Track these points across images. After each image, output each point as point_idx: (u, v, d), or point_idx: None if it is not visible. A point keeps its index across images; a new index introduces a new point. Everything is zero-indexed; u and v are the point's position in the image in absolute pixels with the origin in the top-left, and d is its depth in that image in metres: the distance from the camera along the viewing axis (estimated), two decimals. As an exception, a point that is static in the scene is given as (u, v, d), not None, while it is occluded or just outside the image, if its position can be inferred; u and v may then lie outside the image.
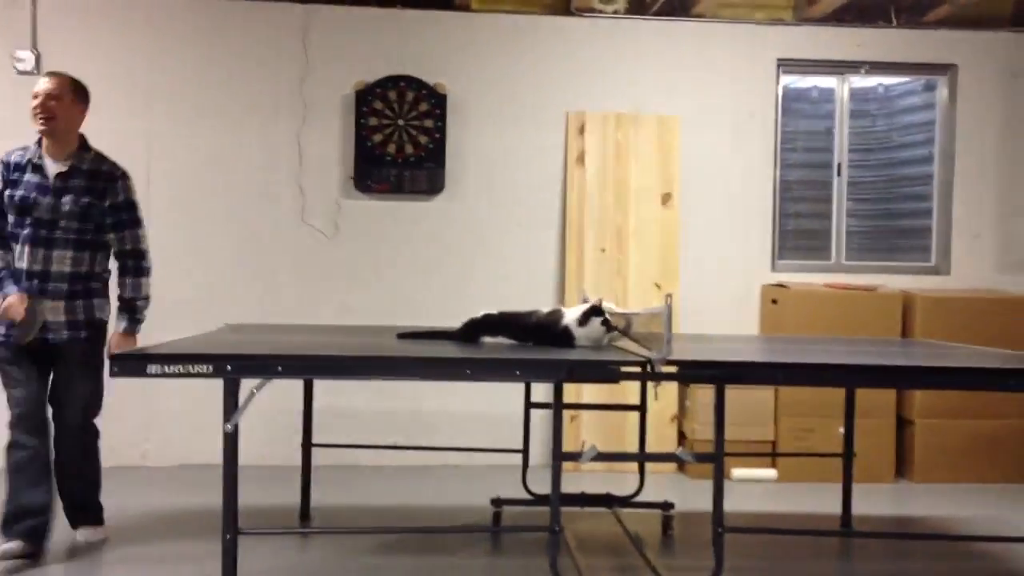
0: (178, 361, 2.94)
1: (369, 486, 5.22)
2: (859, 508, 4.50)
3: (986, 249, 6.12)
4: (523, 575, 3.65)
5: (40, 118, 3.83)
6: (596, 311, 3.49)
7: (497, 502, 4.37)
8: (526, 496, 4.43)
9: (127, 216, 3.95)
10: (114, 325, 3.98)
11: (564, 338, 3.48)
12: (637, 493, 4.46)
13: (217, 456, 3.08)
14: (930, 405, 5.61)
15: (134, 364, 2.93)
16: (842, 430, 4.48)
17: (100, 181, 3.90)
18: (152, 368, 2.91)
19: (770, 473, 5.55)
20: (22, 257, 3.79)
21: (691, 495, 4.87)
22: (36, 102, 3.84)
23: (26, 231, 3.79)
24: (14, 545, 3.69)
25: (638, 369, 3.25)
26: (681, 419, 5.76)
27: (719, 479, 3.20)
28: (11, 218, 3.82)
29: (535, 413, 4.47)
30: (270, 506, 4.58)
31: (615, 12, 5.88)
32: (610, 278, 5.80)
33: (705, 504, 3.36)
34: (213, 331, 4.06)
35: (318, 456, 4.57)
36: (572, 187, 5.84)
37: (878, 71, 6.16)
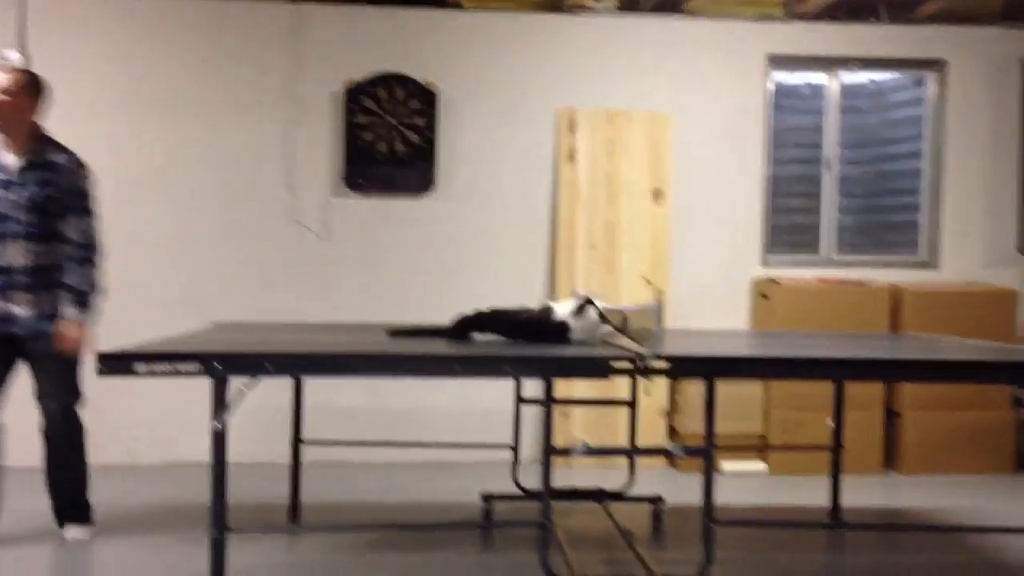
0: (166, 359, 2.93)
1: (359, 483, 5.22)
2: (848, 500, 4.53)
3: (974, 244, 6.14)
4: (514, 570, 3.66)
5: None
6: (590, 302, 3.51)
7: (488, 498, 4.37)
8: (517, 492, 4.44)
9: (79, 205, 3.94)
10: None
11: (559, 332, 3.49)
12: (628, 488, 4.47)
13: (206, 454, 3.08)
14: (918, 398, 5.63)
15: (121, 363, 2.93)
16: (831, 423, 4.50)
17: (57, 172, 3.91)
18: (139, 367, 2.90)
19: (760, 466, 5.58)
20: None
21: (681, 489, 4.88)
22: None
23: None
24: None
25: (629, 364, 3.26)
26: (671, 414, 5.77)
27: (709, 473, 3.21)
28: None
29: (525, 409, 4.48)
30: (259, 504, 4.58)
31: (607, 9, 5.88)
32: (601, 275, 5.81)
33: (695, 498, 3.37)
34: (202, 329, 4.06)
35: (308, 453, 4.57)
36: (563, 184, 5.85)
37: (868, 67, 6.18)
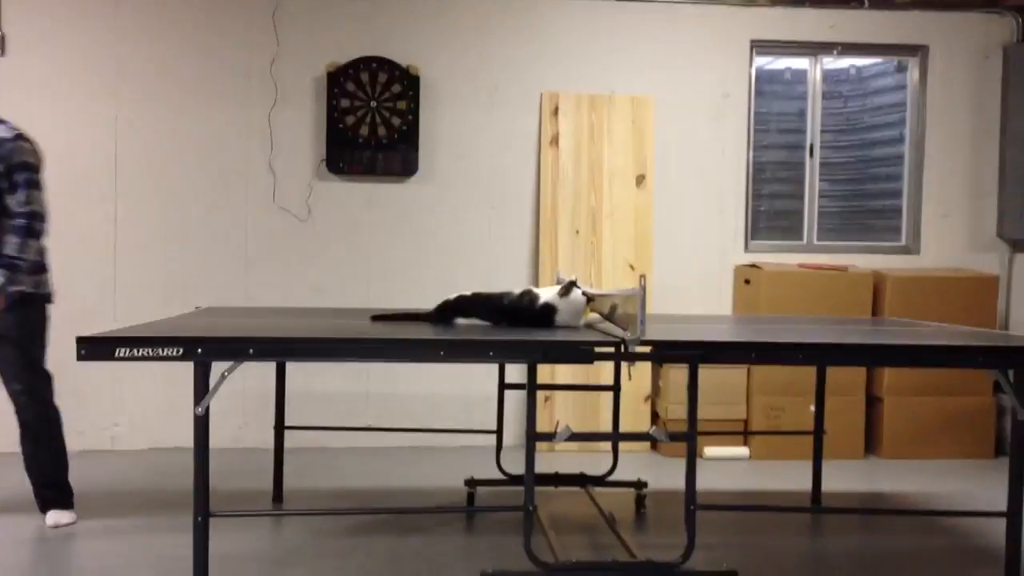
0: (148, 344, 2.91)
1: (343, 468, 5.21)
2: (829, 484, 4.56)
3: (956, 229, 6.18)
4: (497, 554, 3.66)
5: None
6: (574, 284, 3.51)
7: (471, 482, 4.38)
8: (500, 476, 4.44)
9: (22, 177, 3.88)
10: None
11: (544, 315, 3.49)
12: (611, 472, 4.48)
13: (188, 439, 3.06)
14: (899, 383, 5.67)
15: (103, 347, 2.90)
16: (813, 408, 4.53)
17: None
18: (121, 351, 2.88)
19: (742, 451, 5.60)
20: None
21: (664, 474, 4.90)
22: None
23: None
24: None
25: (612, 349, 3.26)
26: (655, 399, 5.79)
27: (692, 458, 3.22)
28: None
29: (509, 394, 4.47)
30: (243, 489, 4.57)
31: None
32: (584, 259, 5.81)
33: (678, 482, 3.38)
34: (184, 314, 4.03)
35: (291, 438, 4.57)
36: (546, 168, 5.83)
37: (850, 52, 6.19)
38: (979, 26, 6.13)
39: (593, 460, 4.97)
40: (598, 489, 4.40)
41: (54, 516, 4.00)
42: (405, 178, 5.76)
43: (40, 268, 3.97)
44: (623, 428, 4.77)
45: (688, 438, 3.22)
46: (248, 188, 5.68)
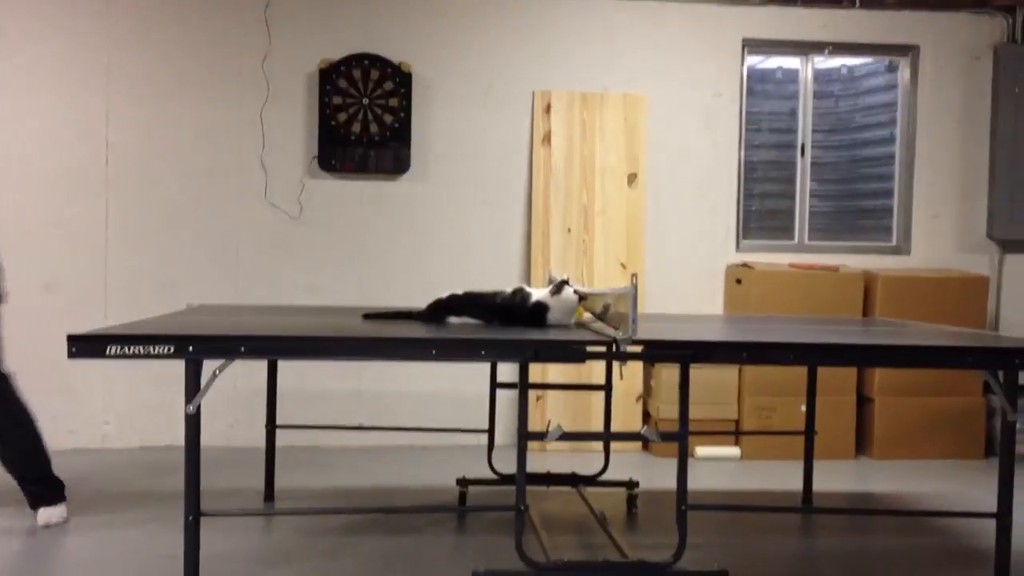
0: (139, 342, 2.89)
1: (334, 467, 5.20)
2: (820, 485, 4.56)
3: (946, 229, 6.20)
4: (489, 554, 3.66)
5: None
6: (566, 283, 3.51)
7: (463, 482, 4.38)
8: (492, 476, 4.44)
9: None
10: None
11: (536, 314, 3.48)
12: (602, 472, 4.48)
13: (179, 438, 3.05)
14: (889, 383, 5.68)
15: (94, 345, 2.89)
16: (804, 408, 4.53)
17: None
18: (112, 349, 2.86)
19: (733, 451, 5.61)
20: None
21: (656, 473, 4.91)
22: None
23: None
24: None
25: (604, 349, 3.25)
26: (646, 398, 5.79)
27: (683, 458, 3.22)
28: None
29: (501, 393, 4.47)
30: (234, 487, 4.56)
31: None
32: (576, 258, 5.81)
33: (669, 482, 3.38)
34: (175, 311, 4.02)
35: (282, 437, 4.55)
36: (538, 167, 5.83)
37: (841, 52, 6.20)
38: (969, 26, 6.15)
39: (585, 460, 4.96)
40: (590, 489, 4.40)
41: (45, 515, 3.98)
42: (397, 176, 5.75)
43: None
44: (615, 428, 4.77)
45: (679, 438, 3.22)
46: (240, 185, 5.67)
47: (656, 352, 3.41)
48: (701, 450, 5.55)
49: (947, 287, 5.78)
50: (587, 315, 3.82)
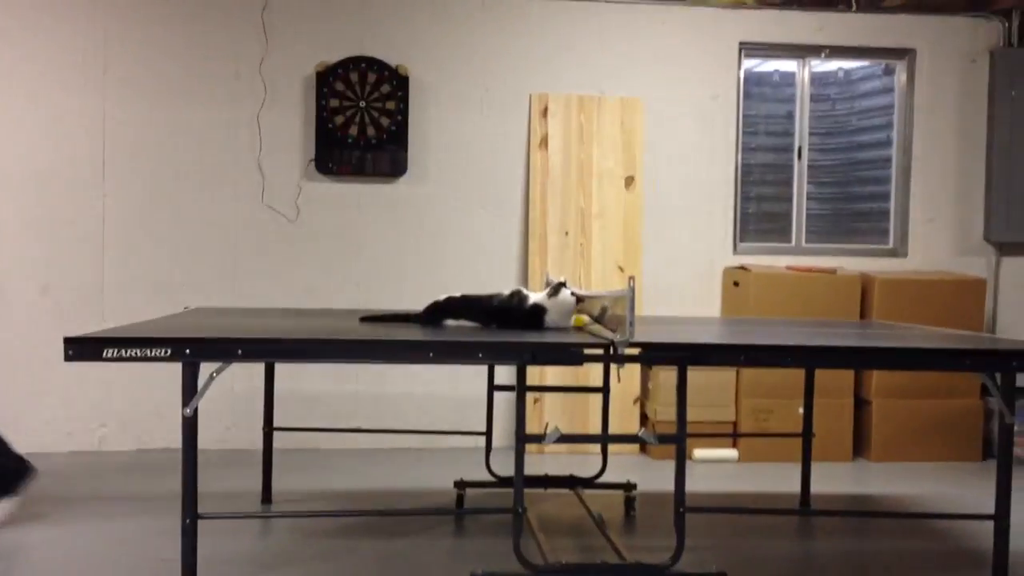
0: (136, 345, 2.89)
1: (332, 470, 5.20)
2: (818, 487, 4.57)
3: (943, 232, 6.20)
4: (487, 557, 3.65)
5: None
6: (563, 285, 3.51)
7: (460, 484, 4.37)
8: (489, 478, 4.43)
9: None
10: None
11: (533, 317, 3.48)
12: (600, 474, 4.48)
13: (176, 440, 3.05)
14: (887, 385, 5.69)
15: (91, 348, 2.88)
16: (801, 410, 4.54)
17: None
18: (109, 351, 2.86)
19: (731, 453, 5.61)
20: None
21: (653, 476, 4.91)
22: None
23: None
24: None
25: (601, 351, 3.25)
26: (644, 401, 5.79)
27: (681, 460, 3.22)
28: None
29: (498, 396, 4.47)
30: (231, 490, 4.55)
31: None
32: (573, 261, 5.81)
33: (667, 484, 3.38)
34: (172, 314, 4.01)
35: (280, 439, 4.55)
36: (535, 170, 5.83)
37: (838, 55, 6.21)
38: (966, 30, 6.16)
39: (582, 462, 4.96)
40: (587, 491, 4.39)
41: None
42: (394, 179, 5.75)
43: None
44: (612, 430, 4.76)
45: (677, 440, 3.22)
46: (237, 188, 5.66)
47: (654, 354, 3.41)
48: (699, 452, 5.55)
49: (944, 290, 5.78)
50: (586, 318, 3.81)
